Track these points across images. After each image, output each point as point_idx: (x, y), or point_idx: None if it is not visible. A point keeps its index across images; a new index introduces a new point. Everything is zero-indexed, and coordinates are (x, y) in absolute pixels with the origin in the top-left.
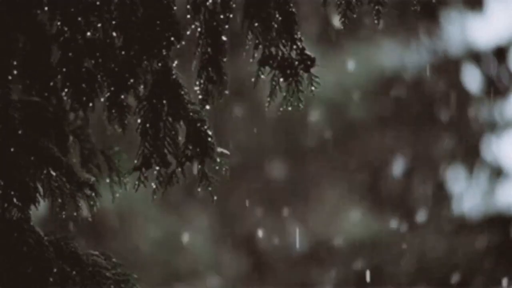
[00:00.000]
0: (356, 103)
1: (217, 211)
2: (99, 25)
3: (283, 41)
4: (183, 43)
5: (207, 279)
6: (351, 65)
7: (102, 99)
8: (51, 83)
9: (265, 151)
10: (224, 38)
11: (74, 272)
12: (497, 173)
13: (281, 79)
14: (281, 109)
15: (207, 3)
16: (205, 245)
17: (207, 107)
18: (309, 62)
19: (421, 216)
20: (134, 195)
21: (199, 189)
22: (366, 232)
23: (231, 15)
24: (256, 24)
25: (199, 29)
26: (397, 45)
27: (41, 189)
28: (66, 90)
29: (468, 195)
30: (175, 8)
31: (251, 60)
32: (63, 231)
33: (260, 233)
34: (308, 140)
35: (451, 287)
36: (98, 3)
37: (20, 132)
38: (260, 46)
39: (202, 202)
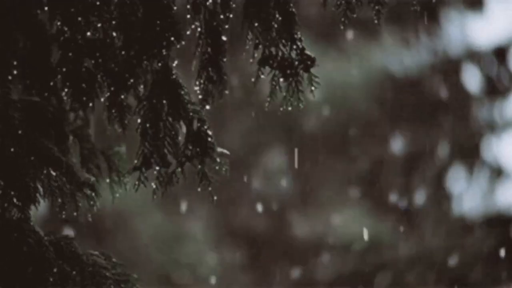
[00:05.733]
0: (355, 103)
1: (217, 210)
2: (99, 25)
3: (283, 41)
4: (183, 43)
5: (207, 278)
6: (351, 64)
7: (102, 99)
8: (51, 83)
9: (265, 148)
10: (224, 38)
11: (74, 272)
12: (497, 173)
13: (281, 79)
14: (281, 109)
15: (207, 3)
16: (205, 244)
17: (207, 107)
18: (309, 62)
19: (421, 216)
20: (134, 195)
21: (199, 189)
22: (365, 232)
23: (231, 15)
24: (256, 24)
25: (199, 29)
26: (397, 45)
27: (41, 189)
28: (66, 90)
29: (468, 195)
30: (175, 8)
31: (251, 60)
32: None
33: (260, 232)
34: (308, 139)
35: (451, 287)
36: (98, 3)
37: (20, 132)
38: (260, 46)
39: (202, 201)
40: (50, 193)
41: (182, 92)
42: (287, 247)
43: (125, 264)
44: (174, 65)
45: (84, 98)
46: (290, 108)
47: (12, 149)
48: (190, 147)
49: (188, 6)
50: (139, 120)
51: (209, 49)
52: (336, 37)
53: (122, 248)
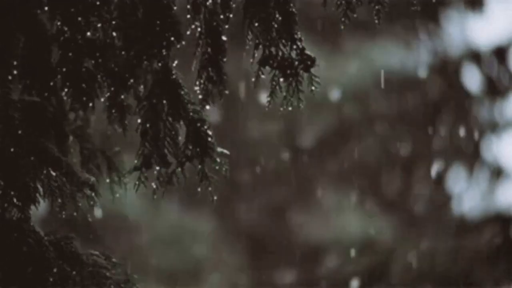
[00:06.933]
0: (355, 103)
1: (217, 211)
2: (99, 25)
3: (283, 41)
4: (183, 43)
5: (208, 278)
6: (350, 65)
7: (102, 99)
8: (51, 83)
9: (265, 151)
10: (224, 38)
11: (74, 272)
12: (497, 173)
13: (281, 79)
14: (281, 109)
15: (207, 3)
16: (205, 245)
17: (207, 107)
18: (309, 62)
19: (421, 216)
20: (134, 195)
21: (199, 189)
22: (365, 232)
23: (231, 15)
24: (256, 24)
25: (199, 29)
26: (397, 45)
27: (41, 189)
28: (66, 90)
29: (468, 195)
30: (175, 8)
31: (251, 60)
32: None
33: (260, 233)
34: (308, 139)
35: (451, 287)
36: (98, 3)
37: (20, 132)
38: (260, 46)
39: (202, 202)
40: (50, 193)
41: (182, 92)
42: (288, 248)
43: (125, 264)
44: (174, 65)
45: (84, 98)
46: (290, 108)
47: (12, 149)
48: (190, 147)
49: (188, 6)
50: (139, 120)
51: (209, 49)
52: (336, 37)
53: (122, 248)
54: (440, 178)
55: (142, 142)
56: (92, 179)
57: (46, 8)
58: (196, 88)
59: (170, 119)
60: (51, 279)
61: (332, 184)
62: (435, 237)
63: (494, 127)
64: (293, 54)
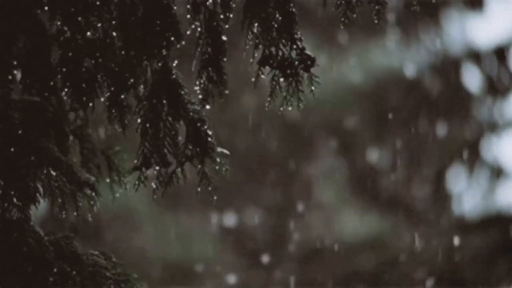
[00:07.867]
0: (355, 103)
1: (217, 211)
2: (99, 25)
3: (283, 41)
4: (183, 43)
5: (207, 278)
6: (350, 65)
7: (102, 99)
8: (51, 83)
9: (265, 150)
10: (224, 38)
11: (74, 272)
12: (497, 173)
13: (281, 79)
14: (281, 108)
15: (207, 3)
16: (205, 244)
17: (207, 107)
18: (309, 62)
19: (421, 216)
20: (134, 195)
21: (199, 189)
22: (365, 232)
23: (231, 15)
24: (256, 24)
25: (199, 29)
26: (397, 45)
27: (41, 189)
28: (66, 90)
29: (468, 195)
30: (175, 8)
31: (251, 60)
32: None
33: (259, 233)
34: (308, 139)
35: (451, 287)
36: (98, 3)
37: (20, 132)
38: (260, 46)
39: (203, 202)
40: (50, 193)
41: (182, 92)
42: (287, 247)
43: (125, 264)
44: (174, 65)
45: (84, 98)
46: (290, 108)
47: (12, 149)
48: (190, 147)
49: (188, 6)
50: (139, 120)
51: (209, 49)
52: (336, 37)
53: (122, 248)
54: (440, 178)
55: (142, 142)
56: (92, 179)
57: (46, 8)
58: (196, 88)
59: (170, 119)
60: (51, 279)
61: (332, 182)
62: (435, 237)
63: (494, 127)
64: (293, 54)
